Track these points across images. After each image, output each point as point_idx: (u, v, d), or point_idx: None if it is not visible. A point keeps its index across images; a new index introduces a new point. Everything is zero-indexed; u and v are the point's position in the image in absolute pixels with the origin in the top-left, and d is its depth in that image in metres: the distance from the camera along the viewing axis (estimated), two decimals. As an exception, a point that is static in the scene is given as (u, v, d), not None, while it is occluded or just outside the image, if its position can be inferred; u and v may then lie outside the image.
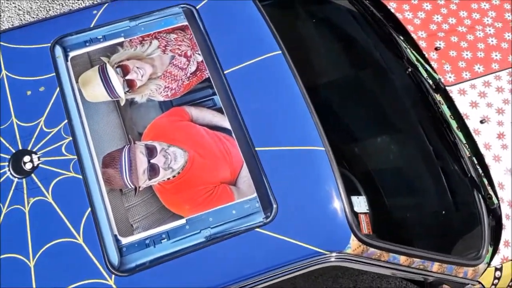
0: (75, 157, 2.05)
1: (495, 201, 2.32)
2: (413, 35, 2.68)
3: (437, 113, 2.47)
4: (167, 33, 2.29)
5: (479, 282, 2.28)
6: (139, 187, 2.00)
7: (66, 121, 2.11)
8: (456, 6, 2.77)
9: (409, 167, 2.51)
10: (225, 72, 2.18)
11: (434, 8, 2.77)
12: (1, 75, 2.23)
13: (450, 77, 2.59)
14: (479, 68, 2.61)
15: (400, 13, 2.75)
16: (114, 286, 1.88)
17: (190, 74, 2.20)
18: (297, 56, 2.39)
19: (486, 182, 2.36)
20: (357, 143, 2.58)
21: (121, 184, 2.01)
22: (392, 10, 2.74)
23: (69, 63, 2.22)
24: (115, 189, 2.01)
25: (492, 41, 2.68)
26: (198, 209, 1.97)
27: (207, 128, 2.10)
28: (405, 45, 2.61)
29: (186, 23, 2.31)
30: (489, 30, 2.71)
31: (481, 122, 2.50)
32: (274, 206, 1.97)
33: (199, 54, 2.23)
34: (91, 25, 2.30)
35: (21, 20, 3.66)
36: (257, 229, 1.95)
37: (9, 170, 2.06)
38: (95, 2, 3.70)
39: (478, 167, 2.39)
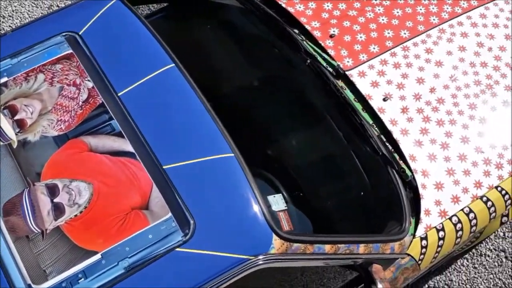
0: (-28, 211, 1.91)
1: (409, 173, 2.39)
2: (307, 26, 2.71)
3: (342, 98, 2.51)
4: (52, 64, 2.18)
5: (408, 255, 2.34)
6: (46, 230, 1.90)
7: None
8: (344, -8, 2.84)
9: (323, 156, 2.55)
10: (119, 94, 2.11)
11: (323, -4, 2.82)
12: None
13: (348, 61, 2.65)
14: (374, 48, 2.68)
15: (292, 6, 2.78)
16: None
17: (83, 102, 2.11)
18: (195, 64, 2.36)
19: (397, 157, 2.43)
20: (270, 141, 2.58)
21: (26, 230, 1.90)
22: (283, 5, 2.77)
23: None
24: (21, 237, 1.89)
25: (383, 19, 2.77)
26: (112, 241, 1.89)
27: (109, 155, 2.02)
28: (300, 38, 2.64)
29: (70, 51, 2.21)
30: (379, 10, 2.80)
31: (384, 100, 2.57)
32: (192, 222, 1.92)
33: (89, 80, 2.14)
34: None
35: None
36: (178, 249, 1.90)
37: None
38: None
39: (388, 144, 2.45)
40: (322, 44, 2.67)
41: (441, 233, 2.38)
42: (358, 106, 2.54)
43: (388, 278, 2.30)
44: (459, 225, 2.41)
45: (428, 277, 3.07)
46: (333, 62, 2.60)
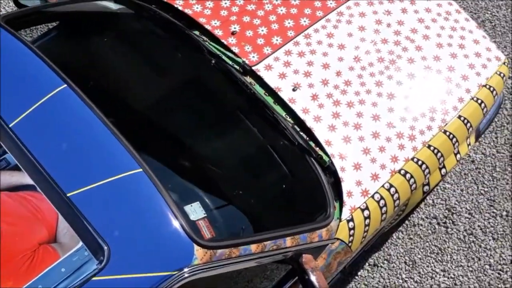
0: None
1: (326, 158, 2.40)
2: (207, 26, 2.66)
3: (252, 94, 2.49)
4: None
5: (338, 239, 2.35)
6: None
7: None
8: (240, -13, 2.81)
9: (241, 155, 2.51)
10: (10, 126, 1.98)
11: (220, -6, 2.78)
12: None
13: (253, 56, 2.62)
14: (277, 40, 2.67)
15: (189, 8, 2.72)
16: None
17: (-30, 140, 1.97)
18: (95, 80, 2.26)
19: (313, 144, 2.43)
20: (185, 148, 2.51)
21: None
22: (180, 8, 2.70)
23: None
24: None
25: (281, 10, 2.76)
26: (23, 281, 1.77)
27: (7, 191, 1.89)
28: (202, 39, 2.59)
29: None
30: (276, 1, 2.79)
31: (293, 90, 2.57)
32: (105, 248, 1.83)
33: (-26, 116, 2.00)
34: None
35: None
36: (95, 278, 1.80)
37: None
38: None
39: (302, 133, 2.45)
40: (225, 43, 2.63)
41: (366, 212, 2.41)
42: (269, 99, 2.52)
43: (321, 266, 2.30)
44: (382, 202, 2.44)
45: (368, 255, 3.11)
46: (238, 59, 2.57)
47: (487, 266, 3.12)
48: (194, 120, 2.56)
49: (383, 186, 2.44)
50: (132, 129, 2.27)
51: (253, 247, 2.05)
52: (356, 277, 3.08)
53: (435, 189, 3.29)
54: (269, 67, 2.60)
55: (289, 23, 2.72)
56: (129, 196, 1.92)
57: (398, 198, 2.49)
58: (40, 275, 1.79)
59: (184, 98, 2.60)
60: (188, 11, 2.70)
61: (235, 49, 2.62)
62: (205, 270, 1.93)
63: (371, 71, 2.64)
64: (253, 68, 2.58)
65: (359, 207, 2.39)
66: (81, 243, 1.83)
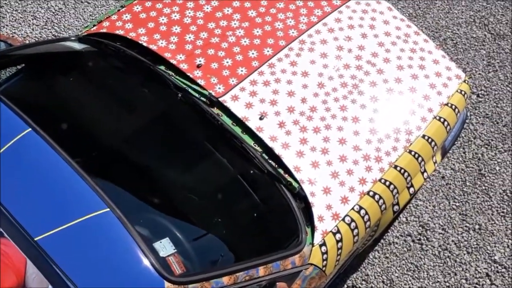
0: None
1: (296, 184, 2.44)
2: (172, 61, 2.70)
3: (220, 126, 2.52)
4: None
5: (311, 264, 2.37)
6: None
7: None
8: (203, 20, 2.87)
9: (211, 186, 2.53)
10: (-25, 173, 1.98)
11: (184, 29, 2.83)
12: None
13: (219, 88, 2.67)
14: (242, 71, 2.73)
15: (154, 44, 2.76)
16: None
17: None
18: (61, 122, 2.26)
19: (282, 171, 2.47)
20: (155, 184, 2.52)
21: None
22: (145, 44, 2.74)
23: None
24: None
25: (245, 41, 2.82)
26: (-9, 331, 1.75)
27: (-27, 239, 1.88)
28: (168, 74, 2.63)
29: None
30: (239, 32, 2.85)
31: (260, 118, 2.61)
32: (75, 290, 1.82)
33: None
34: None
35: None
36: (65, 322, 1.79)
37: None
38: None
39: (271, 160, 2.49)
40: (191, 76, 2.67)
41: (338, 236, 2.44)
42: (237, 129, 2.55)
43: (296, 293, 2.31)
44: (353, 224, 2.48)
45: (346, 276, 3.13)
46: (204, 91, 2.61)
47: (464, 281, 3.16)
48: (164, 154, 2.58)
49: (353, 208, 2.48)
50: (101, 167, 2.28)
51: (225, 279, 2.05)
52: (336, 300, 3.09)
53: (407, 207, 3.34)
54: (236, 98, 2.65)
55: (253, 53, 2.78)
56: (97, 236, 1.93)
57: (369, 220, 2.53)
58: (9, 323, 1.77)
59: (153, 132, 2.62)
60: (153, 46, 2.75)
61: (201, 82, 2.66)
62: (178, 306, 1.93)
63: (335, 96, 2.71)
64: (219, 99, 2.62)
65: (330, 231, 2.42)
66: (50, 287, 1.82)
